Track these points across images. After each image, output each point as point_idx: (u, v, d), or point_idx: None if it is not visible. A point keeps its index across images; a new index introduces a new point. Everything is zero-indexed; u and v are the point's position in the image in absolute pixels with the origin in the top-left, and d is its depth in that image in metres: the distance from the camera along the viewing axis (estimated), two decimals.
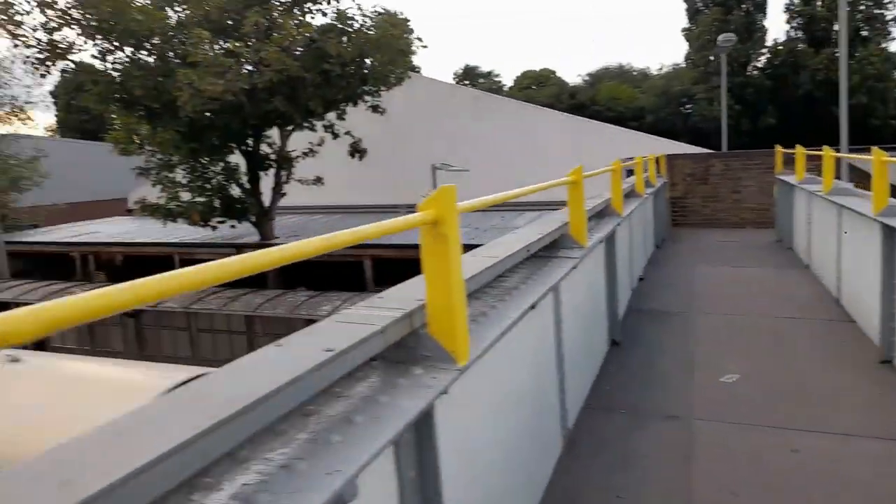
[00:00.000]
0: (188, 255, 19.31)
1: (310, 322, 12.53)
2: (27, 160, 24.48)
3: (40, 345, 18.77)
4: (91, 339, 19.11)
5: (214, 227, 17.48)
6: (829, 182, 7.03)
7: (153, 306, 15.76)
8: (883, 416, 4.22)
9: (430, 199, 1.94)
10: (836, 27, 36.69)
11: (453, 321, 2.03)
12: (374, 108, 17.97)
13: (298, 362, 1.53)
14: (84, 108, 59.33)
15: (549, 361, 3.73)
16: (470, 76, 56.82)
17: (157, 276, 1.10)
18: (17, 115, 24.39)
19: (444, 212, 1.93)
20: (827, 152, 7.22)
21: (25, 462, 1.07)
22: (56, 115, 55.68)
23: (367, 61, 16.16)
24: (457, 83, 48.44)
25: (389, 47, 16.30)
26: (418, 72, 20.55)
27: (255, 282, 17.26)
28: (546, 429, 3.68)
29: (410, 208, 21.82)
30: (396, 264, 16.59)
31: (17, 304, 15.53)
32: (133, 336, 17.93)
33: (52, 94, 50.30)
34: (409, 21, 16.69)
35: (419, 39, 17.22)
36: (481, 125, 21.95)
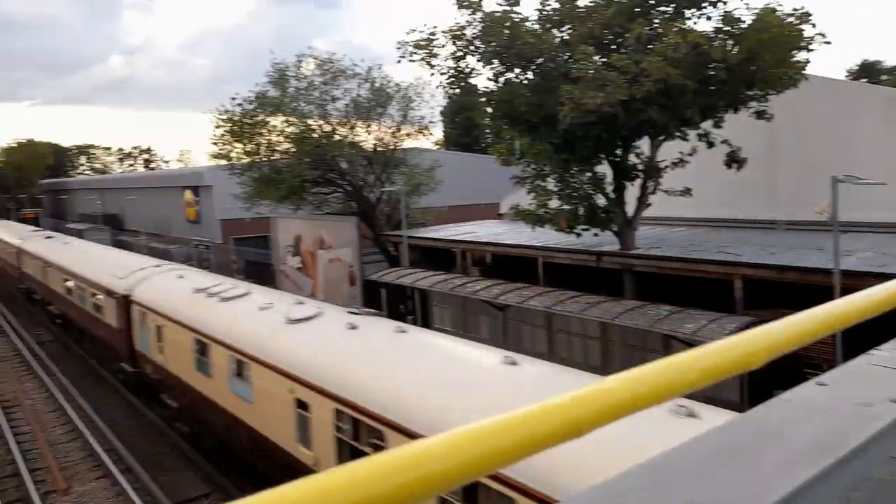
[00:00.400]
0: (549, 258, 20.68)
1: (669, 338, 11.84)
2: (426, 169, 29.36)
3: (425, 321, 22.55)
4: (464, 324, 22.04)
5: (579, 235, 18.29)
6: None
7: (519, 303, 17.33)
8: None
9: None
10: None
11: None
12: (759, 115, 16.61)
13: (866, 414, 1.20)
14: (465, 125, 67.89)
15: None
16: (869, 73, 47.92)
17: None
18: (422, 132, 29.37)
19: None
20: None
21: None
22: (443, 131, 65.88)
23: (756, 64, 14.95)
24: (855, 81, 41.30)
25: (783, 45, 14.84)
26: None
27: (614, 291, 17.55)
28: None
29: (792, 224, 19.34)
30: (772, 287, 14.96)
31: (413, 288, 18.13)
32: (500, 326, 20.06)
33: (442, 113, 59.69)
34: (810, 15, 14.88)
35: (822, 35, 15.20)
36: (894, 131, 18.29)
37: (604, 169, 18.36)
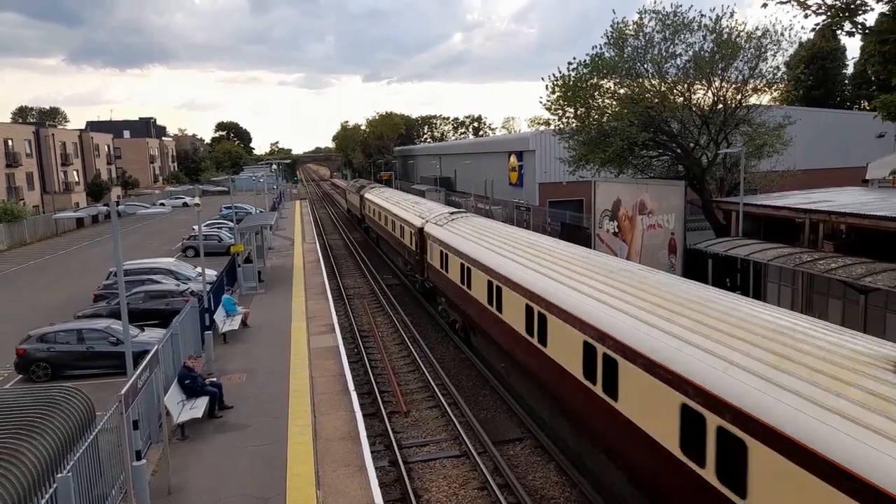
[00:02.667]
0: None
1: None
2: (773, 128, 25.66)
3: (756, 293, 19.93)
4: (807, 306, 18.86)
5: None
6: None
7: (892, 287, 14.00)
8: None
9: None
10: None
11: None
12: None
13: None
14: (816, 76, 58.50)
15: None
16: None
17: None
18: (774, 86, 25.67)
19: None
20: None
21: None
22: (784, 84, 57.15)
23: None
24: None
25: None
26: None
27: None
28: None
29: None
30: None
31: (748, 261, 16.09)
32: (859, 313, 16.63)
33: (787, 64, 51.71)
34: None
35: None
36: None
37: None
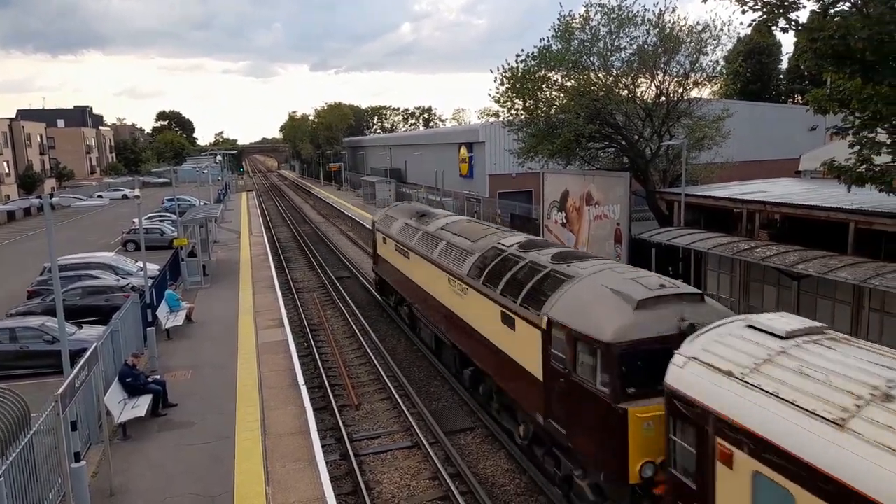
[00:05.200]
0: (867, 223, 17.29)
1: None
2: (712, 120, 26.53)
3: (697, 287, 20.66)
4: (744, 293, 19.66)
5: None
6: None
7: (822, 273, 14.74)
8: None
9: None
10: None
11: None
12: None
13: None
14: (753, 71, 60.47)
15: None
16: None
17: None
18: (713, 80, 26.48)
19: None
20: None
21: None
22: (723, 79, 59.31)
23: None
24: None
25: None
26: None
27: None
28: None
29: None
30: None
31: (689, 250, 16.82)
32: (792, 299, 17.45)
33: (725, 59, 53.60)
34: None
35: None
36: None
37: None
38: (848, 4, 14.78)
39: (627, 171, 25.20)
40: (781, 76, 69.78)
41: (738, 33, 30.41)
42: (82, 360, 10.76)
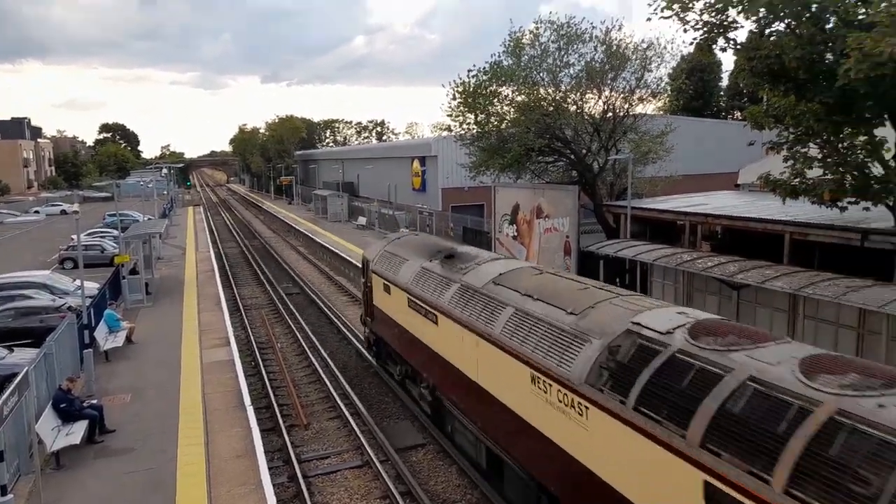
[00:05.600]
0: (801, 234, 18.06)
1: None
2: (656, 136, 27.33)
3: (644, 291, 21.18)
4: (687, 302, 20.18)
5: (844, 209, 15.55)
6: None
7: (760, 282, 15.28)
8: None
9: None
10: None
11: None
12: None
13: None
14: (695, 88, 62.77)
15: None
16: None
17: None
18: (656, 97, 27.34)
19: None
20: None
21: None
22: (667, 95, 61.51)
23: None
24: None
25: None
26: None
27: (878, 275, 14.75)
28: None
29: None
30: None
31: (635, 262, 17.27)
32: (732, 307, 17.99)
33: (669, 76, 55.62)
34: None
35: None
36: None
37: (884, 132, 15.27)
38: (782, 26, 15.45)
39: (576, 185, 25.67)
40: (722, 93, 72.64)
41: (681, 51, 31.56)
42: (11, 386, 10.21)
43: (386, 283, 16.06)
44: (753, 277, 15.07)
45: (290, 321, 24.66)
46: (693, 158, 42.29)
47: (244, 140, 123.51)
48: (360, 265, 22.85)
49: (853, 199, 15.31)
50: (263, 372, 18.86)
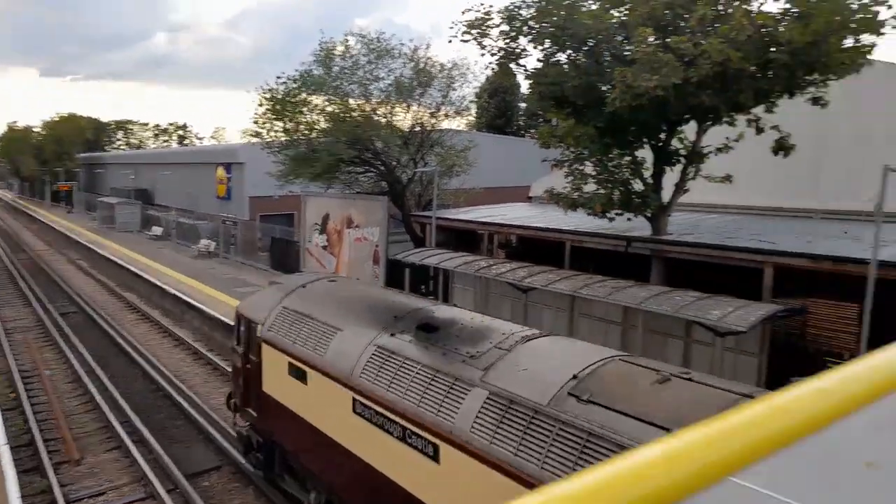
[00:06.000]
0: (578, 242, 20.17)
1: (696, 324, 10.91)
2: (460, 150, 28.77)
3: (447, 302, 22.08)
4: (485, 305, 21.40)
5: (612, 219, 17.64)
6: None
7: (544, 285, 16.71)
8: None
9: None
10: None
11: None
12: (815, 101, 15.52)
13: None
14: (499, 107, 67.28)
15: None
16: None
17: None
18: (460, 114, 28.81)
19: None
20: None
21: None
22: (475, 113, 65.54)
23: (821, 47, 13.92)
24: None
25: (854, 29, 13.80)
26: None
27: (640, 277, 16.97)
28: None
29: (828, 215, 18.60)
30: (802, 276, 14.49)
31: (438, 269, 17.98)
32: (521, 309, 19.44)
33: (476, 95, 59.28)
34: None
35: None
36: None
37: (644, 153, 17.65)
38: (564, 56, 17.11)
39: (386, 196, 26.03)
40: (521, 113, 78.93)
41: (485, 73, 33.60)
42: None
43: (296, 363, 10.05)
44: (539, 281, 16.41)
45: (63, 345, 21.65)
46: (494, 172, 45.15)
47: (13, 140, 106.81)
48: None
49: (619, 211, 17.43)
50: (26, 404, 16.28)
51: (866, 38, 14.44)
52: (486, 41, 17.57)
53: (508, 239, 23.31)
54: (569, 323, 17.79)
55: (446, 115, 28.57)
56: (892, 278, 12.39)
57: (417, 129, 27.62)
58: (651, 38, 14.71)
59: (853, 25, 14.00)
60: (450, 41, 19.84)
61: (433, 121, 27.99)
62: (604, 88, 15.79)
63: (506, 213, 25.81)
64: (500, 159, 48.40)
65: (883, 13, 14.05)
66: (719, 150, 16.86)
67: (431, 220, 23.36)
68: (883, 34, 14.24)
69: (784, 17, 14.61)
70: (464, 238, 24.94)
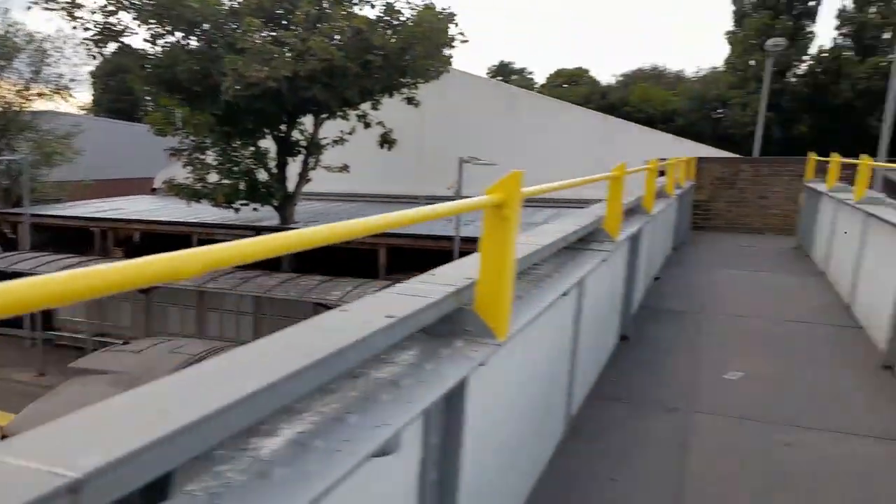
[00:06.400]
0: (207, 235, 19.61)
1: (319, 306, 12.49)
2: (62, 136, 25.01)
3: (47, 316, 19.15)
4: (100, 312, 19.28)
5: (237, 210, 17.71)
6: (861, 191, 6.97)
7: (168, 283, 16.02)
8: (878, 417, 4.30)
9: (497, 184, 2.01)
10: (885, 35, 36.30)
11: (500, 299, 2.08)
12: (410, 100, 18.09)
13: (364, 326, 1.63)
14: (121, 89, 60.29)
15: (564, 348, 3.83)
16: (503, 72, 56.51)
17: (174, 253, 1.04)
18: (59, 93, 24.98)
19: (509, 196, 1.99)
20: (865, 161, 7.15)
21: (128, 394, 1.13)
22: (93, 95, 57.17)
23: (410, 54, 16.30)
24: (490, 78, 48.27)
25: (432, 41, 16.46)
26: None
27: (269, 265, 17.52)
28: (553, 412, 3.78)
29: (431, 199, 22.08)
30: (410, 253, 16.88)
31: (32, 276, 15.97)
32: (143, 312, 18.16)
33: (92, 74, 51.81)
34: (455, 15, 16.81)
35: (462, 34, 17.27)
36: (512, 121, 21.92)
37: (267, 144, 18.07)
38: (174, 39, 16.17)
39: None
40: (147, 97, 71.34)
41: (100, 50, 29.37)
42: None
43: None
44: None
45: None
46: (114, 162, 40.45)
47: None
48: None
49: (245, 202, 17.58)
50: None
51: (446, 51, 17.50)
52: (79, 13, 15.58)
53: (129, 235, 21.32)
54: (197, 320, 17.36)
55: (40, 95, 24.54)
56: (469, 250, 15.39)
57: (1, 109, 23.12)
58: (263, 33, 15.14)
59: (433, 37, 16.72)
60: (28, 8, 17.04)
61: (21, 100, 23.77)
62: (218, 75, 15.65)
63: (125, 206, 23.48)
64: (122, 147, 43.47)
65: (452, 29, 17.20)
66: (335, 142, 18.31)
67: (25, 217, 19.88)
68: (454, 46, 17.46)
69: (378, 24, 16.59)
70: (71, 238, 21.84)
